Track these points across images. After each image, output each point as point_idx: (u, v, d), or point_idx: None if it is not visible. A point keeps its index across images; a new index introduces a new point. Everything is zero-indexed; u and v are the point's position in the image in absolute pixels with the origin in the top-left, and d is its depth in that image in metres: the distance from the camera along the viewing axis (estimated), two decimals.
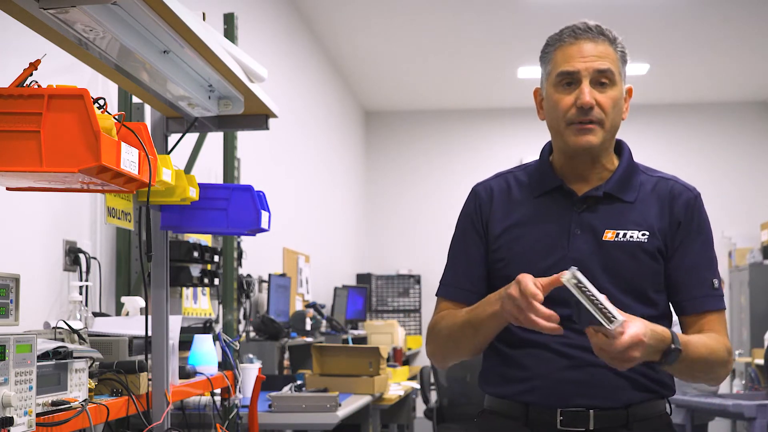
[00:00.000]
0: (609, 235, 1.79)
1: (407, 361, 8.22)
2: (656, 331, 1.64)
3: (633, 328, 1.58)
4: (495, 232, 1.88)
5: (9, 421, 1.59)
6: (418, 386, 6.06)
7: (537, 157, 1.96)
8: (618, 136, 1.91)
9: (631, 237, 1.79)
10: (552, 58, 1.83)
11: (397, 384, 5.48)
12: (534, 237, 1.83)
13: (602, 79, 1.80)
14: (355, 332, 7.06)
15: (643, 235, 1.80)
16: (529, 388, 1.79)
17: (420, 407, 6.69)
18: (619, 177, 1.85)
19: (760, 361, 7.32)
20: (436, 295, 1.97)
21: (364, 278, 9.26)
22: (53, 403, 1.81)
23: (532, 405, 1.79)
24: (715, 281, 1.85)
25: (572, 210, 1.83)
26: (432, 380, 6.22)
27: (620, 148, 1.92)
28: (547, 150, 1.93)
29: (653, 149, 9.69)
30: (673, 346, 1.66)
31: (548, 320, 1.59)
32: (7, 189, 1.84)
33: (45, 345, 1.87)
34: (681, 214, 1.83)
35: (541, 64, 1.87)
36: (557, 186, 1.85)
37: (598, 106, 1.78)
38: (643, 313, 1.74)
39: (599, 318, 1.57)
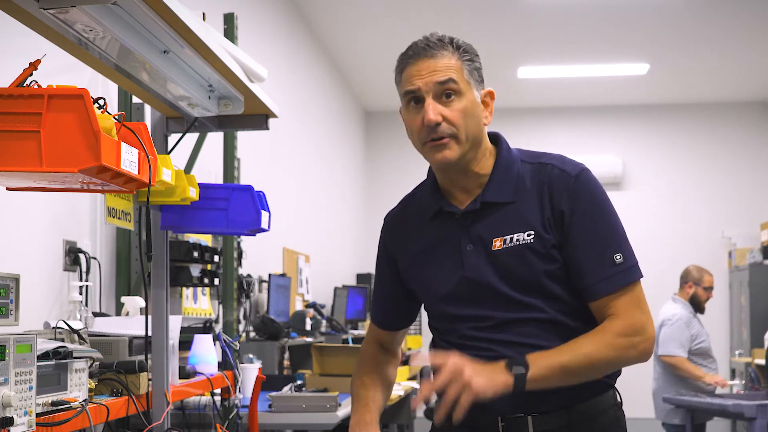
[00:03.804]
0: (497, 243, 1.77)
1: (407, 361, 8.21)
2: (482, 363, 1.67)
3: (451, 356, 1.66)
4: (402, 266, 1.94)
5: (9, 421, 1.59)
6: (418, 386, 6.05)
7: None
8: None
9: (517, 240, 1.76)
10: (400, 81, 1.82)
11: (397, 384, 5.48)
12: (434, 262, 1.85)
13: (446, 91, 1.76)
14: (355, 332, 7.05)
15: (529, 235, 1.75)
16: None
17: (420, 407, 6.69)
18: (495, 181, 1.81)
19: (760, 361, 7.32)
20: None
21: (364, 278, 9.25)
22: (53, 403, 1.81)
23: (477, 416, 1.80)
24: (617, 256, 1.74)
25: (459, 227, 1.82)
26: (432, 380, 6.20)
27: (497, 142, 1.86)
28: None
29: (653, 149, 9.69)
30: (513, 367, 1.66)
31: None
32: (7, 189, 1.84)
33: (45, 345, 1.87)
34: (561, 201, 1.75)
35: (396, 86, 1.85)
36: (440, 208, 1.85)
37: (446, 120, 1.75)
38: (556, 308, 1.76)
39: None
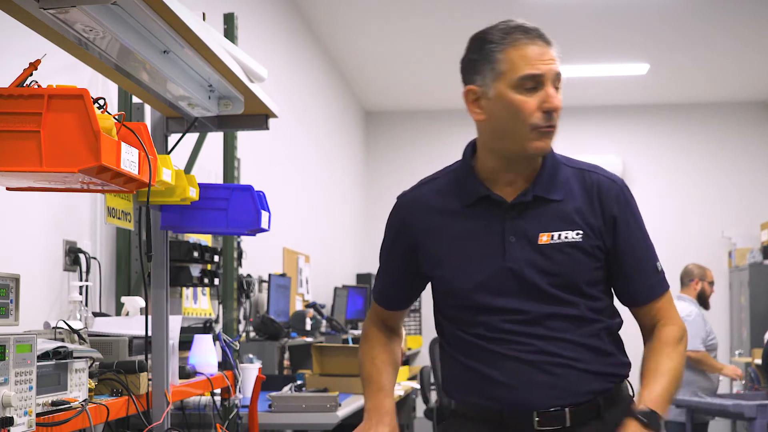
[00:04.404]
0: (544, 238, 1.80)
1: (407, 361, 8.22)
2: (635, 420, 1.75)
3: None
4: (428, 248, 1.89)
5: (9, 421, 1.59)
6: (418, 386, 6.06)
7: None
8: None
9: (566, 237, 1.80)
10: (504, 58, 1.77)
11: (397, 384, 5.47)
12: (469, 250, 1.83)
13: (557, 84, 1.79)
14: (355, 332, 7.04)
15: (578, 234, 1.80)
16: (501, 397, 1.81)
17: (420, 407, 6.68)
18: (546, 176, 1.83)
19: (760, 361, 7.32)
20: (372, 290, 2.05)
21: (364, 278, 9.25)
22: (53, 403, 1.81)
23: (506, 411, 1.81)
24: (658, 264, 1.88)
25: (504, 217, 1.82)
26: (432, 380, 6.22)
27: None
28: (470, 153, 1.90)
29: (653, 149, 9.69)
30: (649, 418, 1.74)
31: None
32: (7, 189, 1.84)
33: (45, 345, 1.88)
34: (613, 209, 1.83)
35: (483, 62, 1.79)
36: (485, 195, 1.84)
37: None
38: (587, 306, 1.81)
39: None
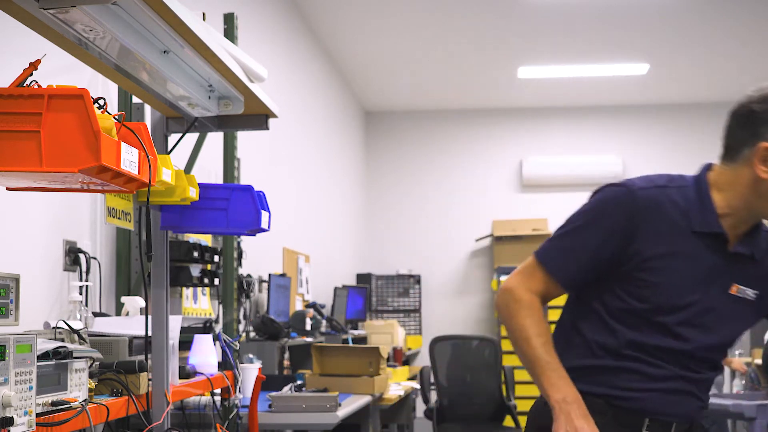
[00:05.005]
0: (734, 289, 1.93)
1: (407, 361, 8.22)
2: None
3: None
4: (646, 252, 1.88)
5: (9, 421, 1.59)
6: (418, 386, 6.06)
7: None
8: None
9: (746, 294, 1.94)
10: None
11: (397, 384, 5.48)
12: (684, 273, 1.89)
13: None
14: (355, 332, 7.05)
15: (755, 294, 1.95)
16: (628, 396, 1.91)
17: (420, 407, 6.68)
18: (758, 237, 1.96)
19: (760, 361, 7.32)
20: (539, 259, 1.94)
21: (364, 278, 9.26)
22: (53, 403, 1.81)
23: (624, 408, 1.91)
24: None
25: (721, 259, 1.91)
26: (432, 380, 6.22)
27: None
28: (706, 182, 1.93)
29: (653, 149, 9.69)
30: None
31: None
32: (7, 189, 1.84)
33: (45, 345, 1.88)
34: None
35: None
36: (719, 233, 1.90)
37: None
38: (722, 358, 1.99)
39: None
